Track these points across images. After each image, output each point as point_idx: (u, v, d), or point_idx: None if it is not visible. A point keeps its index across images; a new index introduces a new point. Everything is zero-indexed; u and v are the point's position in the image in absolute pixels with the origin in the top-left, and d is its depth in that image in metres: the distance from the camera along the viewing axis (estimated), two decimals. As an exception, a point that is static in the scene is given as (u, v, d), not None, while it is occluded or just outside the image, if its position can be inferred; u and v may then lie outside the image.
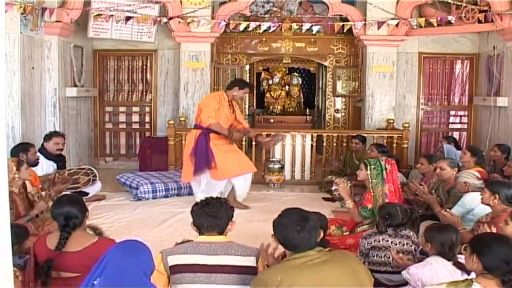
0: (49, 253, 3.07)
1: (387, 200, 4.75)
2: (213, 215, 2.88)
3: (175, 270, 2.80)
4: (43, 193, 5.26)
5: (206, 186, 6.31)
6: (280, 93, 13.77)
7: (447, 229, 3.36)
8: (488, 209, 4.13)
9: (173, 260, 2.81)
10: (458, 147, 7.41)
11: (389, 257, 3.78)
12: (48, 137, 6.59)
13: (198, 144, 6.17)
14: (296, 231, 2.61)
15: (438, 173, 5.27)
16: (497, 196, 3.92)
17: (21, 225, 3.95)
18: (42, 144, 6.58)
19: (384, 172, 4.87)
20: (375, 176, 4.87)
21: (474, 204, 4.43)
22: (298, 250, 2.61)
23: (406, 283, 3.30)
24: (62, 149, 6.67)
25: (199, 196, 5.80)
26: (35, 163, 5.86)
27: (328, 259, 2.58)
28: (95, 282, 2.36)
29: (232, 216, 2.99)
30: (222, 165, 6.18)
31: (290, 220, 2.68)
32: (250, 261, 2.83)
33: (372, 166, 4.90)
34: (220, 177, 6.27)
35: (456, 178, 4.85)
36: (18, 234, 3.47)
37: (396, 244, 3.85)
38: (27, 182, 4.95)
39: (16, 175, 4.55)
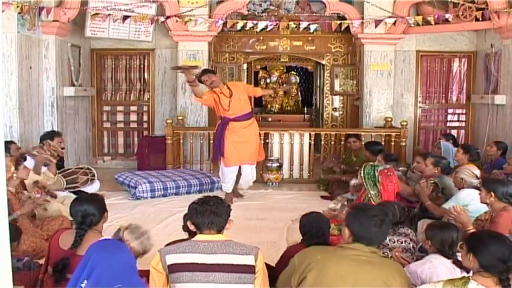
0: (60, 253, 3.08)
1: None
2: (214, 211, 2.88)
3: (173, 269, 2.79)
4: (36, 195, 5.24)
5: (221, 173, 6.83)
6: (278, 92, 13.76)
7: (449, 227, 3.36)
8: (482, 206, 4.14)
9: (171, 259, 2.80)
10: (456, 144, 7.42)
11: (388, 254, 3.78)
12: (51, 137, 6.56)
13: (216, 132, 6.76)
14: (376, 225, 2.67)
15: (423, 169, 5.34)
16: (493, 194, 3.92)
17: (12, 223, 3.95)
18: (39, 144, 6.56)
19: (378, 184, 4.82)
20: (372, 187, 4.82)
21: (468, 200, 4.45)
22: (368, 243, 2.66)
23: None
24: (63, 148, 6.70)
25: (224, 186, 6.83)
26: (23, 158, 5.80)
27: (372, 262, 2.61)
28: (82, 285, 2.35)
29: (229, 215, 2.99)
30: (228, 153, 6.61)
31: (374, 213, 2.73)
32: (248, 260, 2.83)
33: (366, 176, 4.85)
34: (227, 164, 6.67)
35: (456, 172, 4.87)
36: (13, 232, 3.47)
37: (394, 242, 3.86)
38: (26, 183, 4.95)
39: (15, 175, 4.54)
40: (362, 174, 4.89)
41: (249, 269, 2.80)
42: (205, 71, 6.74)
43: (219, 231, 2.91)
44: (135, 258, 2.92)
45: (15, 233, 3.69)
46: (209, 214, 2.87)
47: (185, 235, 3.66)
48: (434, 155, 5.72)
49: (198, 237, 2.91)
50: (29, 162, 5.96)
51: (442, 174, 5.26)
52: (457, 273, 3.05)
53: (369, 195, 4.84)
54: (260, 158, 7.06)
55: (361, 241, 2.68)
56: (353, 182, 6.03)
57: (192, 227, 2.96)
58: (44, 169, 5.58)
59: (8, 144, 5.75)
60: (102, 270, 2.33)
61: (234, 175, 6.77)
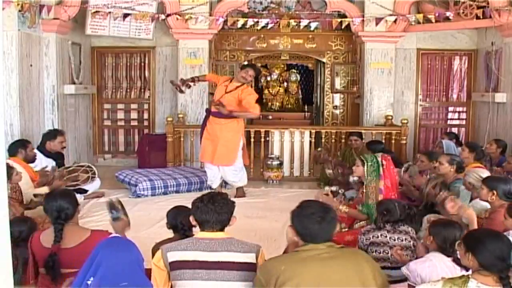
0: (45, 251, 3.10)
1: (381, 196, 4.76)
2: (218, 211, 2.88)
3: (174, 266, 2.80)
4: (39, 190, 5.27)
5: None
6: (279, 89, 13.75)
7: (453, 225, 3.37)
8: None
9: (173, 256, 2.81)
10: (459, 143, 7.40)
11: (387, 253, 3.79)
12: (53, 135, 6.58)
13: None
14: (317, 222, 2.62)
15: (436, 167, 5.29)
16: (495, 192, 3.92)
17: (29, 217, 4.02)
18: (41, 142, 6.58)
19: (381, 168, 4.87)
20: (371, 172, 4.87)
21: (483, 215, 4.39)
22: (315, 241, 2.62)
23: (405, 279, 3.31)
24: (65, 147, 6.73)
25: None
26: (34, 159, 5.93)
27: (336, 256, 2.58)
28: (88, 282, 2.35)
29: (233, 212, 2.99)
30: (202, 147, 6.85)
31: (312, 211, 2.69)
32: (249, 258, 2.83)
33: (369, 163, 4.90)
34: (199, 157, 7.08)
35: (465, 175, 4.85)
36: (31, 226, 3.70)
37: (394, 240, 3.87)
38: (20, 184, 5.00)
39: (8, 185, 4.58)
40: (366, 163, 4.90)
41: (250, 267, 2.81)
42: (250, 66, 6.95)
43: (222, 228, 2.91)
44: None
45: (33, 226, 3.80)
46: (213, 213, 2.87)
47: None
48: (448, 153, 5.66)
49: (200, 234, 2.91)
50: (35, 163, 6.02)
51: (457, 173, 5.18)
52: (457, 271, 3.06)
53: (370, 183, 4.84)
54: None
55: (307, 240, 2.64)
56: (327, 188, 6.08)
57: (194, 223, 2.97)
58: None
59: (26, 143, 5.94)
60: (108, 268, 2.33)
61: (210, 171, 6.81)
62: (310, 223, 2.63)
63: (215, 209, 2.87)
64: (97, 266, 2.35)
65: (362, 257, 2.70)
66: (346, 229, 4.98)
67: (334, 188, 5.75)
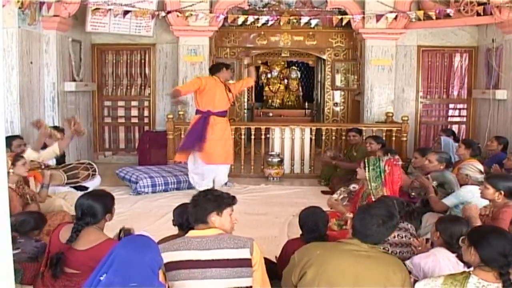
0: (59, 246, 3.10)
1: None
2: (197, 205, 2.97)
3: (169, 267, 2.77)
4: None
5: (195, 168, 6.92)
6: (279, 86, 13.76)
7: (460, 221, 3.40)
8: (483, 203, 4.12)
9: (166, 257, 2.77)
10: (456, 140, 7.42)
11: (388, 249, 3.79)
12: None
13: (193, 125, 6.83)
14: (377, 224, 2.67)
15: (425, 165, 5.32)
16: (503, 193, 3.89)
17: (40, 213, 4.02)
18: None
19: (383, 174, 4.77)
20: (374, 179, 4.76)
21: (469, 197, 4.42)
22: (364, 240, 2.67)
23: (409, 273, 3.31)
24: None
25: (192, 176, 6.92)
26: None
27: (372, 256, 2.63)
28: (101, 278, 2.35)
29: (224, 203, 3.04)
30: (210, 150, 6.71)
31: (377, 212, 2.73)
32: (243, 253, 2.80)
33: (371, 167, 4.74)
34: (207, 161, 6.77)
35: (459, 168, 4.86)
36: (38, 220, 3.79)
37: (394, 237, 3.87)
38: (30, 181, 4.97)
39: (11, 170, 4.55)
40: (366, 166, 4.81)
41: (246, 263, 2.78)
42: (229, 66, 7.14)
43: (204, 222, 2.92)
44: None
45: (41, 221, 3.84)
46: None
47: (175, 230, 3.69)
48: (436, 151, 5.69)
49: (191, 233, 2.89)
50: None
51: (446, 169, 5.23)
52: (460, 267, 3.06)
53: (370, 188, 4.78)
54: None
55: (357, 236, 2.70)
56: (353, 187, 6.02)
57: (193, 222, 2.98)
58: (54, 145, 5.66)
59: (11, 140, 5.82)
60: (119, 267, 2.32)
61: (212, 173, 6.89)
62: (370, 222, 2.68)
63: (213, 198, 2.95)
64: (110, 264, 2.35)
65: (398, 265, 2.71)
66: (347, 226, 4.95)
67: (336, 196, 5.54)
